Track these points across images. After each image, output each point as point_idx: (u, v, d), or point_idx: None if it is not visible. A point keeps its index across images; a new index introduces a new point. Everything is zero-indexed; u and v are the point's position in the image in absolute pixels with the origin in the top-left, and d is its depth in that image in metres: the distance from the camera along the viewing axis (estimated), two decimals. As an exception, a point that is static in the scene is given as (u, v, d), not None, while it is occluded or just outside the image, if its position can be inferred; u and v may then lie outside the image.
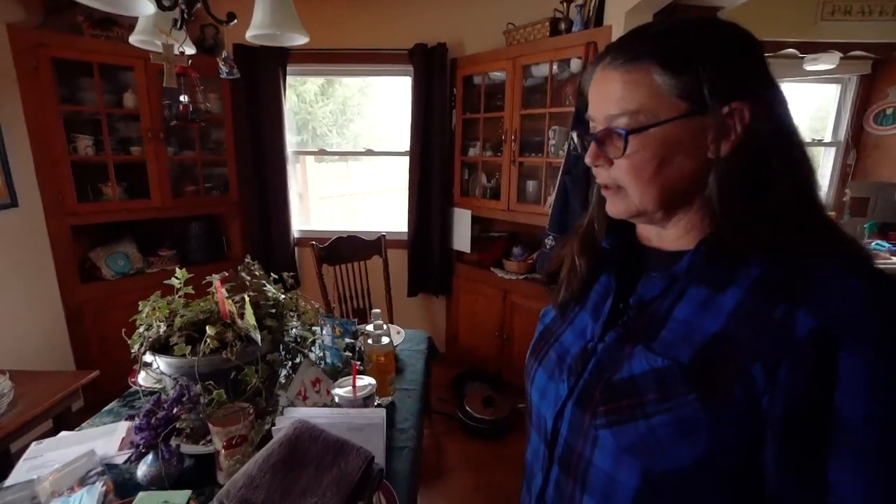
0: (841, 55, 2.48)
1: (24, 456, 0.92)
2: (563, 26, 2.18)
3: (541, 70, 2.29)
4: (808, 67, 2.58)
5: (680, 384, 0.43)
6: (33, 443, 0.96)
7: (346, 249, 2.27)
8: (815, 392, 0.38)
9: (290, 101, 2.69)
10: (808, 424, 0.39)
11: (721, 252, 0.45)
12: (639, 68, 0.45)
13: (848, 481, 0.37)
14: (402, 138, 2.78)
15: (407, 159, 2.71)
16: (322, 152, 3.07)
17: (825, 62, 2.52)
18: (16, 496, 0.76)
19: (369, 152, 2.99)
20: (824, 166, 2.94)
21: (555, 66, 2.20)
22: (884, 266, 2.40)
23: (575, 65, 2.18)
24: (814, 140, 2.91)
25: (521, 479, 0.64)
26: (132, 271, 2.39)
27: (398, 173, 3.00)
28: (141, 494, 0.77)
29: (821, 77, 2.72)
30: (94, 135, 2.20)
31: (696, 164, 0.46)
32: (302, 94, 3.08)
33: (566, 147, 2.05)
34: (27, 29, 1.97)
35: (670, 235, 0.51)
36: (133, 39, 1.23)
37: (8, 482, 0.84)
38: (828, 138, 2.90)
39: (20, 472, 0.86)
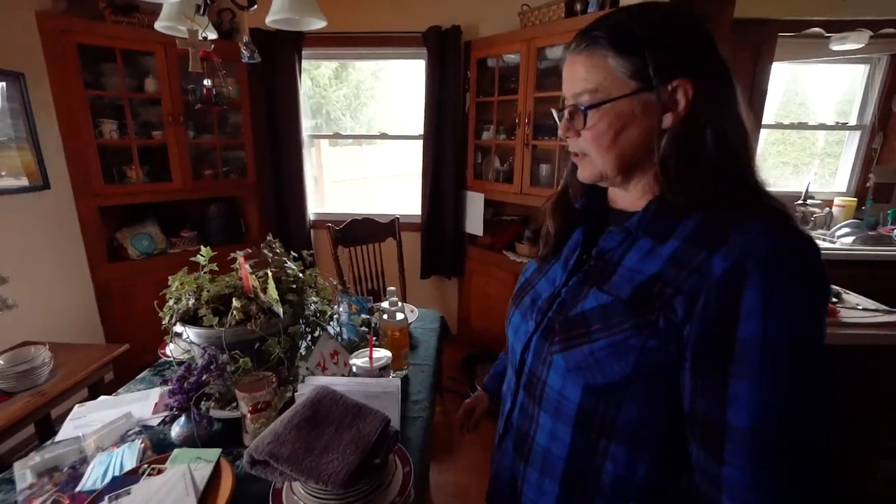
0: (871, 34, 2.39)
1: (69, 416, 1.00)
2: (578, 7, 2.15)
3: (555, 52, 2.27)
4: (835, 47, 2.48)
5: (619, 316, 0.52)
6: (76, 405, 1.04)
7: (360, 231, 2.32)
8: (725, 321, 0.45)
9: (304, 86, 2.72)
10: (717, 348, 0.46)
11: (666, 210, 0.53)
12: (597, 53, 0.52)
13: (745, 392, 0.45)
14: (415, 122, 2.79)
15: (420, 143, 2.73)
16: (336, 136, 3.10)
17: (853, 41, 2.42)
18: (66, 450, 0.84)
19: (383, 136, 3.02)
20: (848, 150, 2.85)
21: (570, 48, 2.17)
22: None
23: (590, 46, 2.15)
24: (837, 123, 2.83)
25: None
26: (156, 251, 2.49)
27: (412, 157, 3.02)
28: (177, 451, 0.83)
29: (848, 57, 2.62)
30: (118, 119, 2.27)
31: (647, 134, 0.53)
32: (316, 78, 3.10)
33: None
34: (53, 15, 2.03)
35: (631, 197, 0.59)
36: (158, 25, 1.27)
37: (58, 438, 0.92)
38: (853, 121, 2.80)
39: (67, 430, 0.95)
